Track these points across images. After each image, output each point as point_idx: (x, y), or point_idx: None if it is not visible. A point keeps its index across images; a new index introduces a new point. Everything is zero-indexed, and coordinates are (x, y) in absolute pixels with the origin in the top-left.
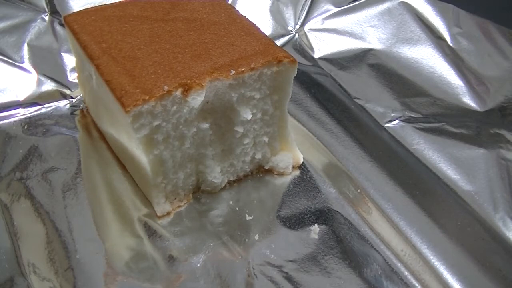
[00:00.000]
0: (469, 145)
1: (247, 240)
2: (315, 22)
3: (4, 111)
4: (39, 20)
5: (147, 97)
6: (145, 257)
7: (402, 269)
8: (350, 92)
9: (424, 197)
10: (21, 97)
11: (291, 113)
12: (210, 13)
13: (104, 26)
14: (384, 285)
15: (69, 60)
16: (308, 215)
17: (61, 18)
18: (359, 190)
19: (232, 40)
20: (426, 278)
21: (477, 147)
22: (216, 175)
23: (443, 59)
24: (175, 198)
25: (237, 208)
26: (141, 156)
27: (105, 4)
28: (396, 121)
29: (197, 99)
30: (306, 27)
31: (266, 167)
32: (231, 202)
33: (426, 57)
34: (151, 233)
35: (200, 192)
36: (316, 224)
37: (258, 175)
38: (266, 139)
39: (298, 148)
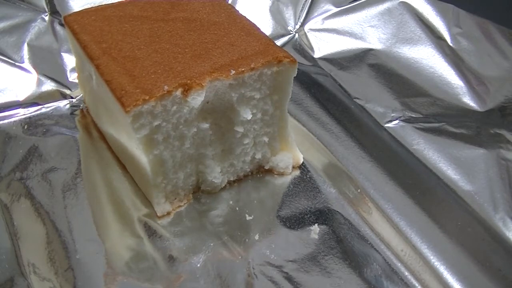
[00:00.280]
0: (469, 145)
1: (247, 240)
2: (315, 22)
3: (4, 111)
4: (39, 20)
5: (147, 97)
6: (145, 257)
7: (402, 269)
8: (350, 92)
9: (424, 197)
10: (21, 97)
11: (291, 113)
12: (210, 13)
13: (104, 26)
14: (384, 285)
15: (69, 60)
16: (308, 215)
17: (61, 18)
18: (359, 190)
19: (232, 40)
20: (426, 278)
21: (477, 147)
22: (216, 175)
23: (443, 59)
24: (175, 198)
25: (237, 208)
26: (141, 156)
27: (105, 4)
28: (396, 121)
29: (197, 99)
30: (306, 27)
31: (266, 167)
32: (231, 202)
33: (426, 57)
34: (151, 233)
35: (200, 192)
36: (316, 224)
37: (258, 175)
38: (266, 139)
39: (298, 148)
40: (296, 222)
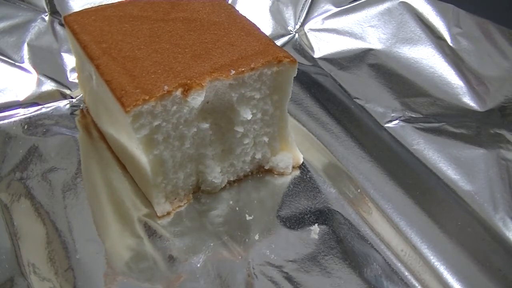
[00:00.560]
0: (469, 145)
1: (247, 240)
2: (315, 22)
3: (4, 111)
4: (39, 20)
5: (147, 97)
6: (145, 257)
7: (402, 269)
8: (350, 92)
9: (424, 197)
10: (21, 97)
11: (291, 113)
12: (210, 13)
13: (104, 26)
14: (384, 285)
15: (69, 60)
16: (308, 215)
17: (61, 18)
18: (359, 190)
19: (232, 40)
20: (426, 278)
21: (477, 147)
22: (216, 175)
23: (443, 59)
24: (175, 198)
25: (237, 208)
26: (141, 156)
27: (105, 4)
28: (396, 121)
29: (197, 99)
30: (306, 27)
31: (266, 167)
32: (231, 202)
33: (426, 57)
34: (151, 233)
35: (200, 192)
36: (316, 224)
37: (258, 175)
38: (266, 139)
39: (298, 148)
40: (296, 222)
